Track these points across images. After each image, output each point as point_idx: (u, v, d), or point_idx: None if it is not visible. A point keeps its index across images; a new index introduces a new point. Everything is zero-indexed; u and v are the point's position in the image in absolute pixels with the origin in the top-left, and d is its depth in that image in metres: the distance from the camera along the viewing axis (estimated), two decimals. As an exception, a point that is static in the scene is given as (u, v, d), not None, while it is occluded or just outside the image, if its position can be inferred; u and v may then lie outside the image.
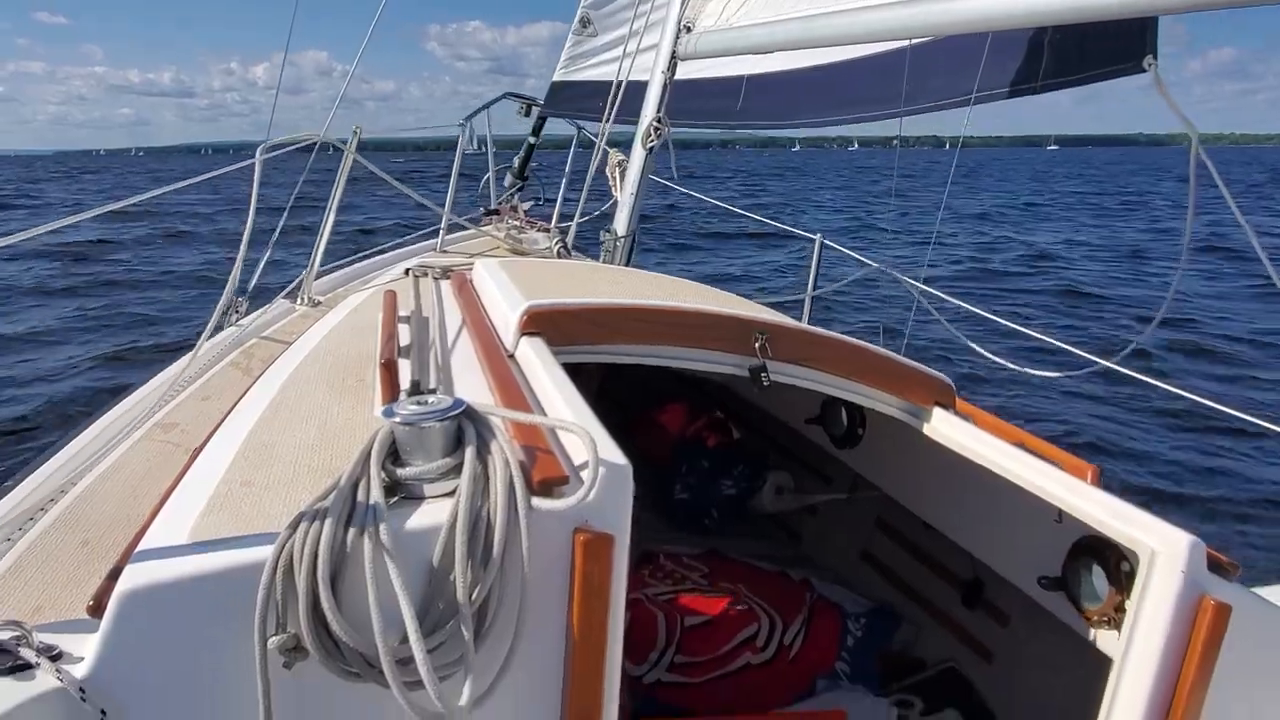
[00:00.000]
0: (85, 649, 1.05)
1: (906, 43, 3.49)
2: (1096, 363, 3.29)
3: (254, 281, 3.29)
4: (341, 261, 3.93)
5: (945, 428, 2.20)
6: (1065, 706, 2.37)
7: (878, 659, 2.71)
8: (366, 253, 4.15)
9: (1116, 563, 1.91)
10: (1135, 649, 1.61)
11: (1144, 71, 2.88)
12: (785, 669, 2.58)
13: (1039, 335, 3.74)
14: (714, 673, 2.51)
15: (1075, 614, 2.06)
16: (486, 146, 5.79)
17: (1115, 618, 1.93)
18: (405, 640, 1.04)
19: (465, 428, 1.21)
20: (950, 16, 2.48)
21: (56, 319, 11.52)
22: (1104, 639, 1.99)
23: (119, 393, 2.52)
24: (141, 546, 1.12)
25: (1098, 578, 1.98)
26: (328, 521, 1.07)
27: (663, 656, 2.47)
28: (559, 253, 4.26)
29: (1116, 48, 3.09)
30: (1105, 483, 1.97)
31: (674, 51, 3.63)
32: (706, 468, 3.37)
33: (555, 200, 5.59)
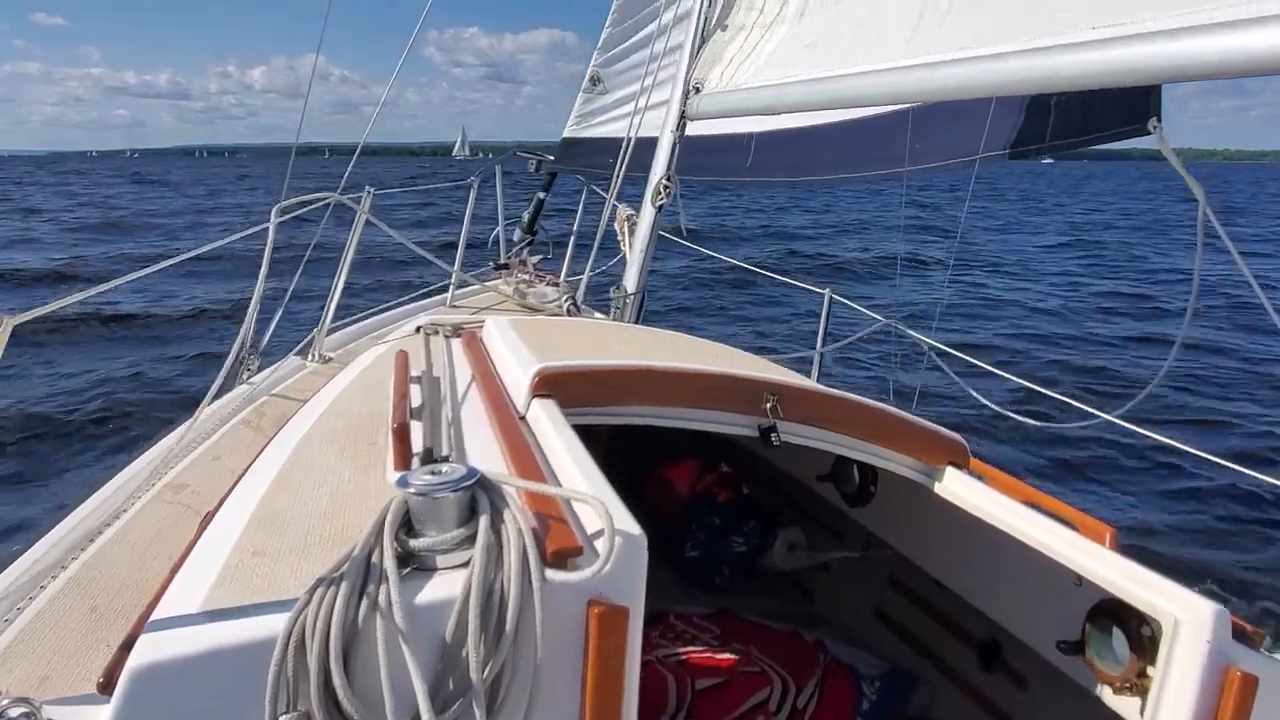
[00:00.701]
0: None
1: (910, 106, 3.54)
2: (1100, 416, 3.27)
3: (266, 337, 3.31)
4: (353, 317, 3.95)
5: (959, 488, 2.18)
6: None
7: None
8: (377, 309, 4.18)
9: (1138, 627, 1.88)
10: None
11: (1149, 134, 2.92)
12: None
13: (1049, 393, 3.74)
14: None
15: (1093, 679, 2.02)
16: (498, 201, 5.86)
17: (1137, 684, 1.90)
18: (417, 718, 1.03)
19: (479, 497, 1.20)
20: (954, 82, 2.51)
21: (69, 362, 11.56)
22: (1125, 706, 1.95)
23: (130, 452, 2.53)
24: (152, 619, 1.11)
25: (1118, 642, 1.94)
26: (340, 595, 1.06)
27: None
28: (568, 309, 4.28)
29: (1122, 110, 3.14)
30: (1123, 544, 1.95)
31: (683, 111, 3.69)
32: (717, 524, 3.34)
33: (564, 254, 5.64)
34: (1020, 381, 3.74)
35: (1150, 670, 1.84)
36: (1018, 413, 3.61)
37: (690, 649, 2.69)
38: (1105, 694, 1.98)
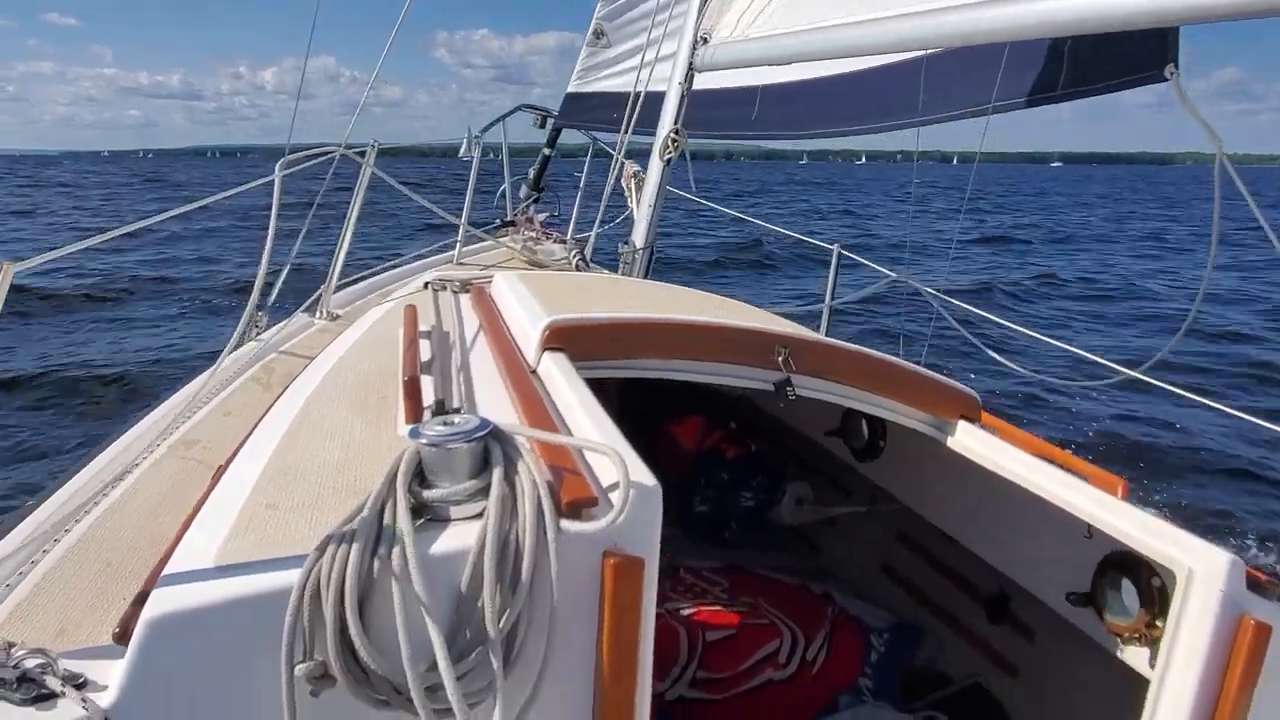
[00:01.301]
0: (110, 676, 1.04)
1: (923, 53, 3.47)
2: (1123, 373, 3.24)
3: (274, 295, 3.29)
4: (359, 275, 3.93)
5: (970, 441, 2.18)
6: None
7: (901, 674, 2.68)
8: (384, 266, 4.16)
9: (1148, 579, 1.88)
10: (1173, 670, 1.59)
11: (1165, 80, 2.86)
12: (807, 685, 2.56)
13: (1064, 346, 3.70)
14: (736, 689, 2.49)
15: (1104, 630, 2.03)
16: (503, 155, 5.80)
17: (1147, 634, 1.90)
18: (433, 667, 1.03)
19: (492, 448, 1.19)
20: (966, 27, 2.46)
21: (80, 327, 11.57)
22: (1135, 656, 1.96)
23: (141, 408, 2.53)
24: (167, 571, 1.11)
25: (1128, 594, 1.95)
26: (355, 546, 1.06)
27: (684, 672, 2.45)
28: (577, 265, 4.25)
29: (1137, 56, 3.06)
30: (1133, 497, 1.94)
31: (691, 63, 3.62)
32: (725, 480, 3.35)
33: (570, 211, 5.59)
34: (1034, 335, 3.68)
35: (1160, 621, 1.84)
36: (1031, 368, 3.57)
37: (700, 602, 2.71)
38: (1114, 645, 1.99)
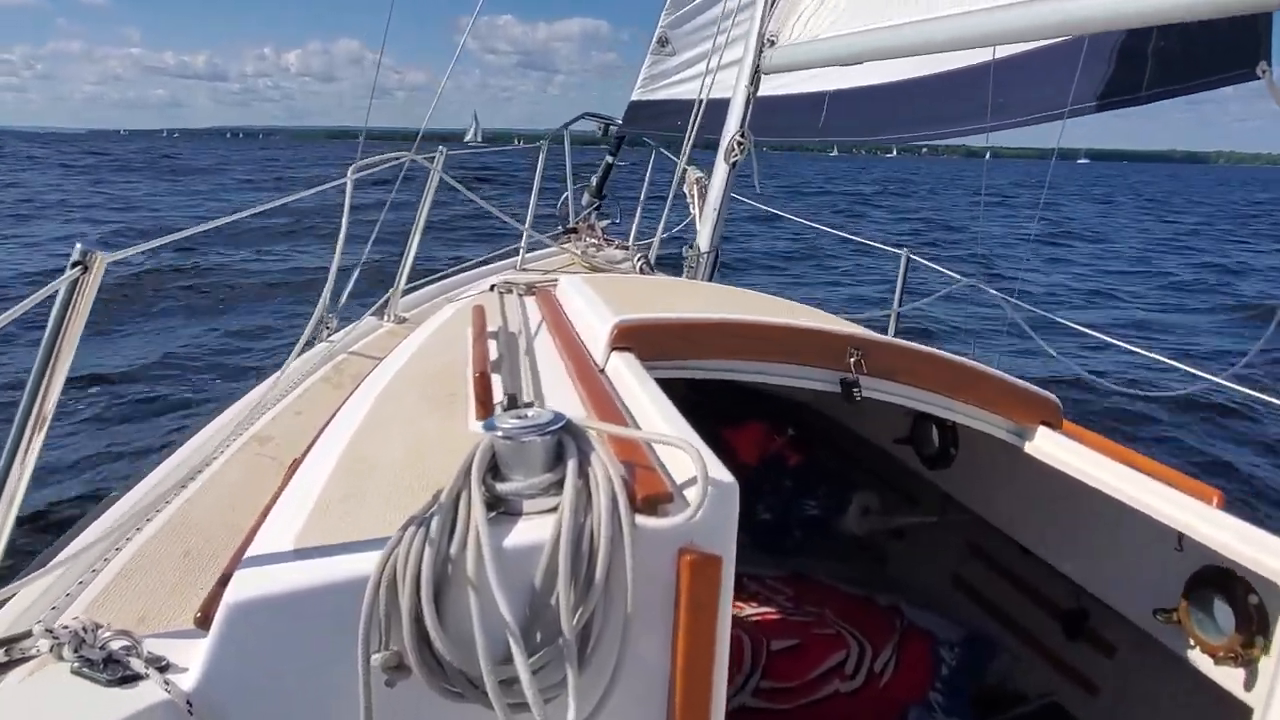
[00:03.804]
0: (192, 660, 1.05)
1: (993, 55, 3.38)
2: (1206, 379, 3.10)
3: (344, 297, 3.36)
4: (425, 279, 3.98)
5: (1051, 448, 2.10)
6: None
7: (973, 690, 2.59)
8: (449, 271, 4.21)
9: (1244, 595, 1.79)
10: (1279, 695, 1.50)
11: (1257, 79, 2.73)
12: (875, 698, 2.49)
13: (1144, 353, 3.55)
14: (802, 699, 2.44)
15: (1192, 648, 1.94)
16: (566, 162, 5.84)
17: (1242, 655, 1.81)
18: (508, 661, 1.02)
19: (566, 443, 1.18)
20: (1042, 19, 2.37)
21: (135, 325, 11.89)
22: (1227, 678, 1.86)
23: (216, 405, 2.59)
24: (247, 556, 1.12)
25: (1221, 610, 1.86)
26: (430, 537, 1.05)
27: (748, 681, 2.41)
28: (641, 269, 4.26)
29: (1226, 53, 2.94)
30: (1229, 509, 1.85)
31: (757, 65, 3.59)
32: (788, 487, 3.30)
33: (631, 221, 5.61)
34: (1113, 342, 3.54)
35: (1259, 640, 1.75)
36: (1110, 377, 3.44)
37: (764, 610, 2.66)
38: (1204, 664, 1.90)
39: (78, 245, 1.12)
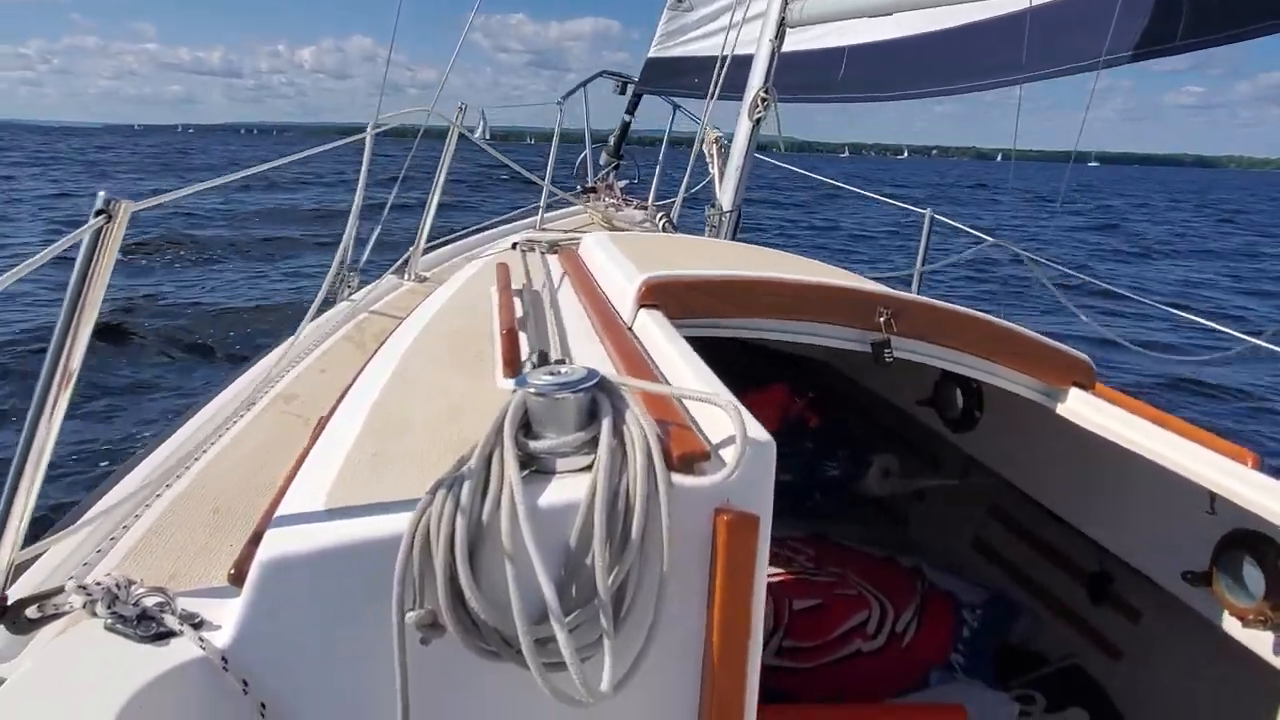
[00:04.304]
0: (224, 617, 1.05)
1: (1028, 2, 3.28)
2: (1245, 340, 3.04)
3: (365, 255, 3.33)
4: (445, 238, 3.96)
5: (1084, 409, 2.07)
6: (1204, 710, 2.23)
7: (995, 652, 2.59)
8: (469, 229, 4.18)
9: (1275, 558, 1.77)
10: None
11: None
12: (897, 658, 2.49)
13: (1180, 313, 3.48)
14: (824, 659, 2.44)
15: (1219, 612, 1.92)
16: (585, 122, 5.77)
17: (1271, 617, 1.80)
18: (543, 620, 1.01)
19: (600, 400, 1.16)
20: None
21: (166, 275, 11.91)
22: (1256, 641, 1.85)
23: (238, 365, 2.58)
24: (279, 514, 1.11)
25: (1251, 574, 1.84)
26: (464, 495, 1.04)
27: (771, 640, 2.42)
28: (664, 228, 4.21)
29: (1265, 2, 2.83)
30: (1266, 472, 1.82)
31: (782, 18, 3.50)
32: (809, 449, 3.28)
33: (651, 178, 5.55)
34: (1148, 302, 3.46)
35: None
36: (1142, 339, 3.38)
37: (786, 570, 2.66)
38: (1233, 628, 1.89)
39: (101, 193, 1.09)
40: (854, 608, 2.53)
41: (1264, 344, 2.94)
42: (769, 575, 2.66)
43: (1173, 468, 1.82)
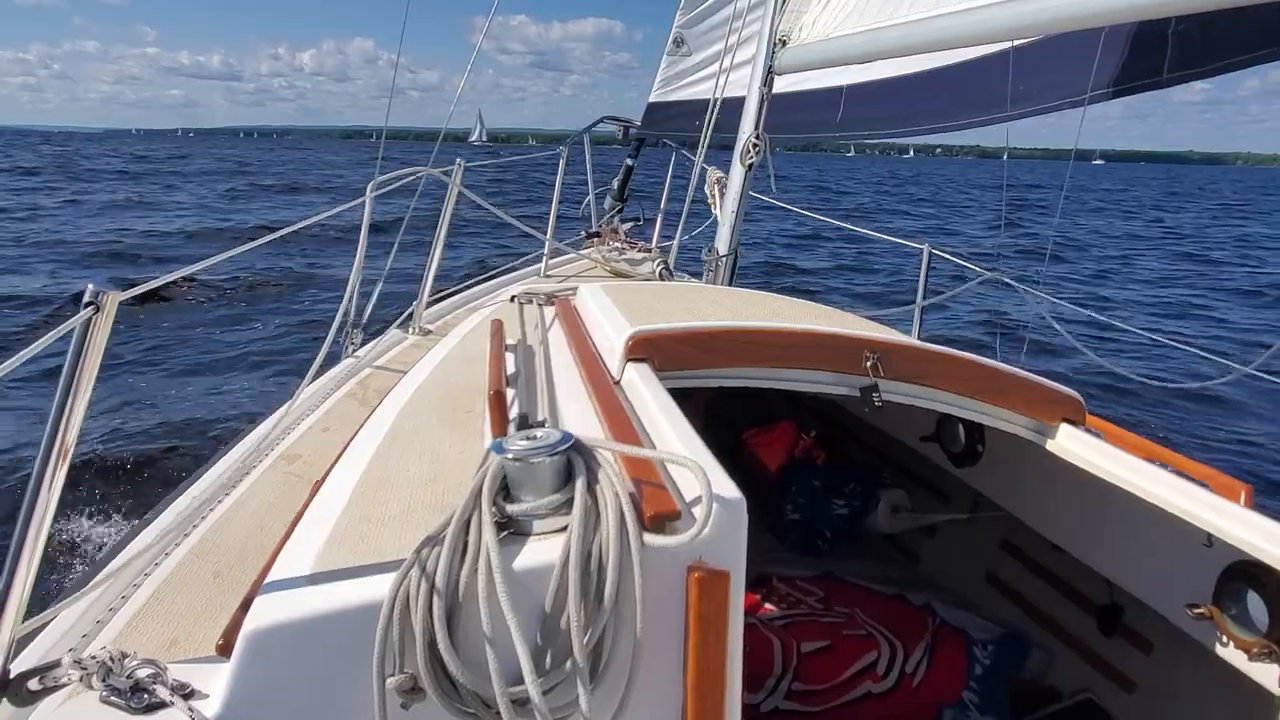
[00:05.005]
0: (215, 686, 1.08)
1: (1011, 42, 3.33)
2: (1236, 369, 3.04)
3: (368, 311, 3.40)
4: (449, 290, 4.02)
5: (1075, 445, 2.07)
6: None
7: (1008, 688, 2.57)
8: (473, 280, 4.25)
9: (1276, 589, 1.76)
10: None
11: (1282, 59, 2.67)
12: (908, 698, 2.48)
13: (1174, 344, 3.49)
14: (834, 701, 2.43)
15: (1225, 645, 1.90)
16: (587, 168, 5.86)
17: (1276, 650, 1.78)
18: (520, 682, 1.03)
19: (574, 462, 1.19)
20: (1055, 14, 2.34)
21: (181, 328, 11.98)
22: (1262, 672, 1.83)
23: (246, 423, 2.64)
24: (265, 583, 1.15)
25: (1254, 605, 1.83)
26: (441, 561, 1.07)
27: (779, 684, 2.41)
28: (660, 274, 4.26)
29: (1256, 33, 2.86)
30: (1258, 504, 1.82)
31: (770, 66, 3.58)
32: (817, 487, 3.29)
33: (655, 221, 5.61)
34: (1141, 333, 3.47)
35: None
36: (1137, 369, 3.39)
37: (794, 612, 2.66)
38: (1239, 660, 1.87)
39: (90, 286, 1.15)
40: (863, 648, 2.52)
41: (1255, 372, 2.94)
42: (778, 617, 2.66)
43: (1165, 505, 1.82)
